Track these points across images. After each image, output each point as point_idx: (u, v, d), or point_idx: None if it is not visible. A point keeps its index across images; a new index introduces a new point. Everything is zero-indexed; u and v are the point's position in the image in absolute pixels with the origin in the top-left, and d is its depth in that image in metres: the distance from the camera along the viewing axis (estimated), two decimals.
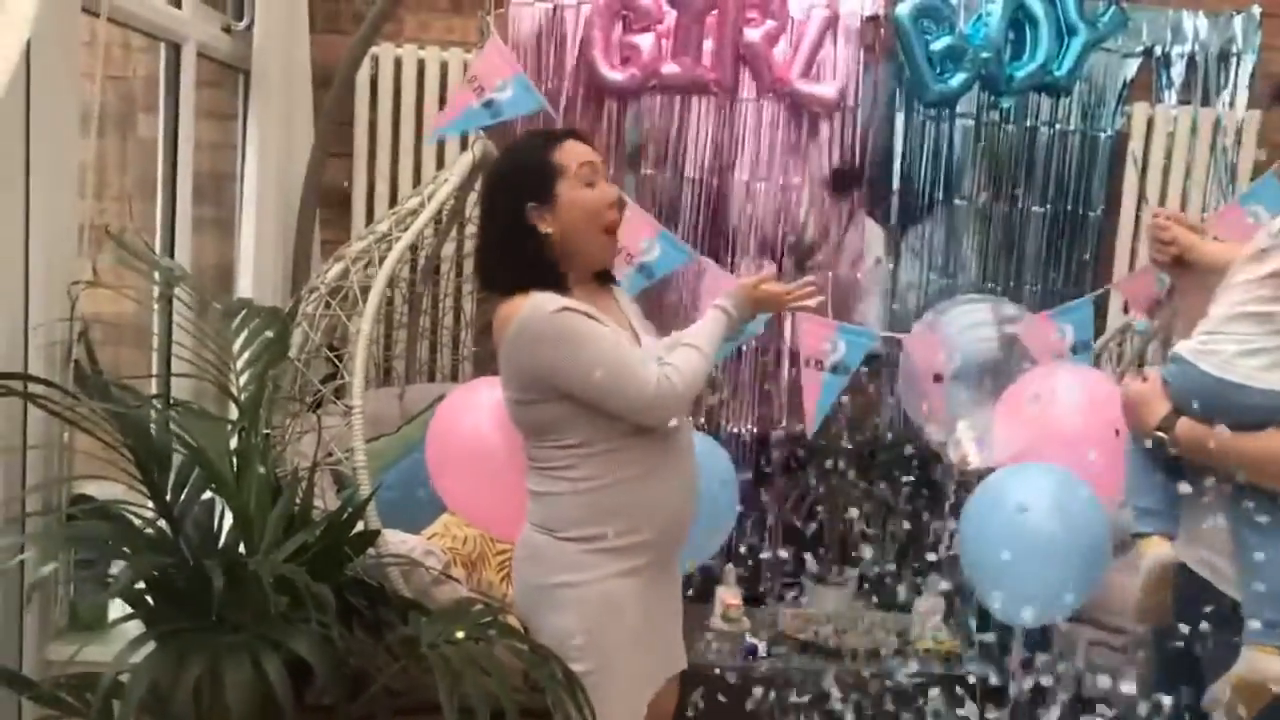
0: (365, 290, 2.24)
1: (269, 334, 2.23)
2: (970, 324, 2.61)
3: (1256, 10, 3.30)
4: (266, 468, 2.02)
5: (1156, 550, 1.67)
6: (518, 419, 1.93)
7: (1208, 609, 1.65)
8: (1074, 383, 2.45)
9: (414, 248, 3.09)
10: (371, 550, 2.03)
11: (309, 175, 3.05)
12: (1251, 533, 1.59)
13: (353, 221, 3.31)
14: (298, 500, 1.95)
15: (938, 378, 2.71)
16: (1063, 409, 2.39)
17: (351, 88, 3.19)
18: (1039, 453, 2.45)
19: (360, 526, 2.01)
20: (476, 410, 2.24)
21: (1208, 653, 1.65)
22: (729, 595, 2.97)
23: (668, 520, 1.95)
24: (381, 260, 2.27)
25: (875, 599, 3.24)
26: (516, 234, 1.86)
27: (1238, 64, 3.32)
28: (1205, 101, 3.33)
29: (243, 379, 2.21)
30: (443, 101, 3.21)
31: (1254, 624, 1.58)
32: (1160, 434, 1.63)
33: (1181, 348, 1.66)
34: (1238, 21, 3.30)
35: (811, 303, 2.14)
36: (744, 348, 3.24)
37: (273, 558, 1.79)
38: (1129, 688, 2.60)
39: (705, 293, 2.75)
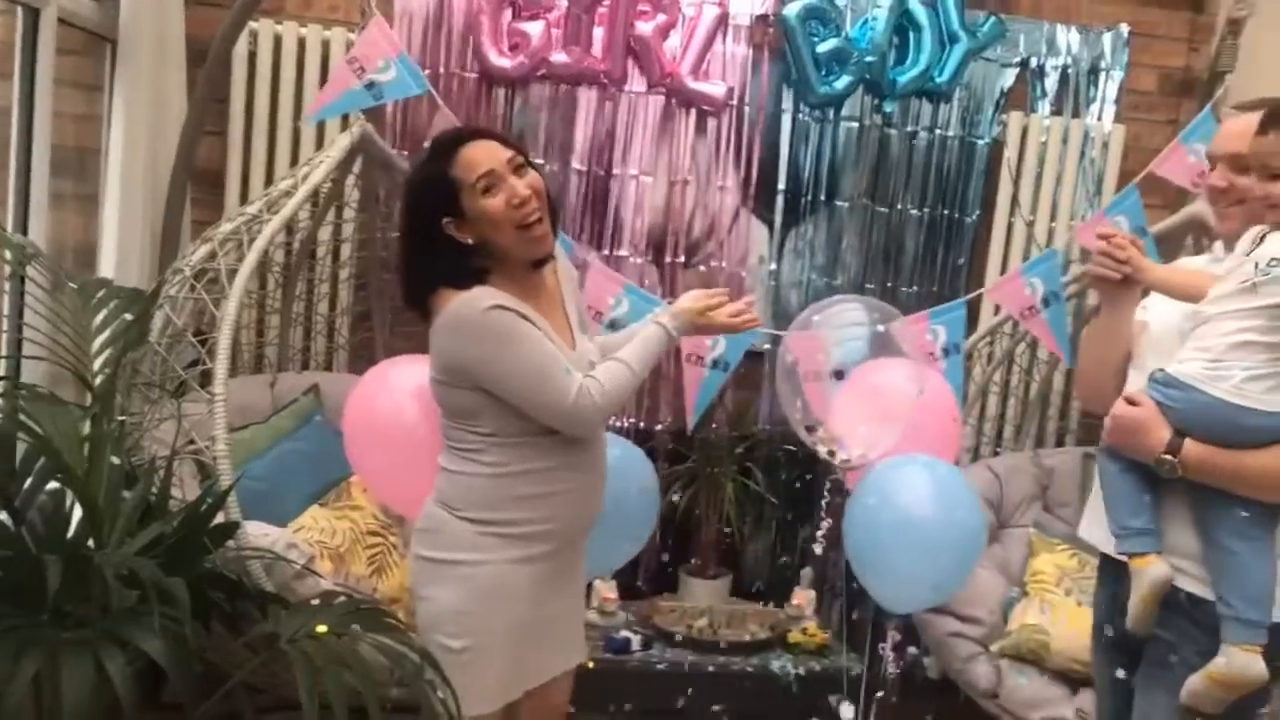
0: (233, 274, 2.16)
1: (128, 316, 2.13)
2: (846, 323, 2.65)
3: (1125, 28, 3.44)
4: (121, 456, 1.93)
5: (1155, 569, 1.67)
6: (436, 397, 1.93)
7: (1171, 606, 1.69)
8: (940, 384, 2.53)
9: (288, 231, 3.00)
10: (231, 543, 1.96)
11: (180, 152, 2.93)
12: (1225, 535, 1.64)
13: (226, 202, 3.19)
14: (154, 490, 1.87)
15: (839, 374, 2.74)
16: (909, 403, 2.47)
17: (228, 64, 3.07)
18: (908, 448, 2.51)
19: (220, 519, 1.94)
20: (397, 388, 2.23)
21: (1182, 653, 1.69)
22: (605, 589, 2.97)
23: (572, 514, 1.95)
24: (251, 243, 2.18)
25: (753, 593, 3.30)
26: (438, 245, 1.86)
27: (1106, 79, 3.45)
28: (1076, 113, 3.46)
29: (98, 363, 2.12)
30: (324, 81, 3.11)
31: (1232, 623, 1.62)
32: (1168, 458, 1.65)
33: (1177, 373, 1.67)
34: (1107, 38, 3.44)
35: (755, 323, 2.14)
36: None
37: (123, 550, 1.72)
38: (986, 673, 2.71)
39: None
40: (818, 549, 3.06)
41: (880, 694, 2.68)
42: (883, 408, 2.53)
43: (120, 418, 1.94)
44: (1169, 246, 2.87)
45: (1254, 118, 1.71)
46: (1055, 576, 2.78)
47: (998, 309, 3.14)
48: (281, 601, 1.94)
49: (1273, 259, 1.59)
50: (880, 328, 2.49)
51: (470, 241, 1.85)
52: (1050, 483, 3.14)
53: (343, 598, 1.97)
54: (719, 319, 2.06)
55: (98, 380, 2.05)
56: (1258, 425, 1.61)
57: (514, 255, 1.88)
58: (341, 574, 2.45)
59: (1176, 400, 1.67)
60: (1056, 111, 3.46)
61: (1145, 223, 2.81)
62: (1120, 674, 1.83)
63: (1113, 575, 1.81)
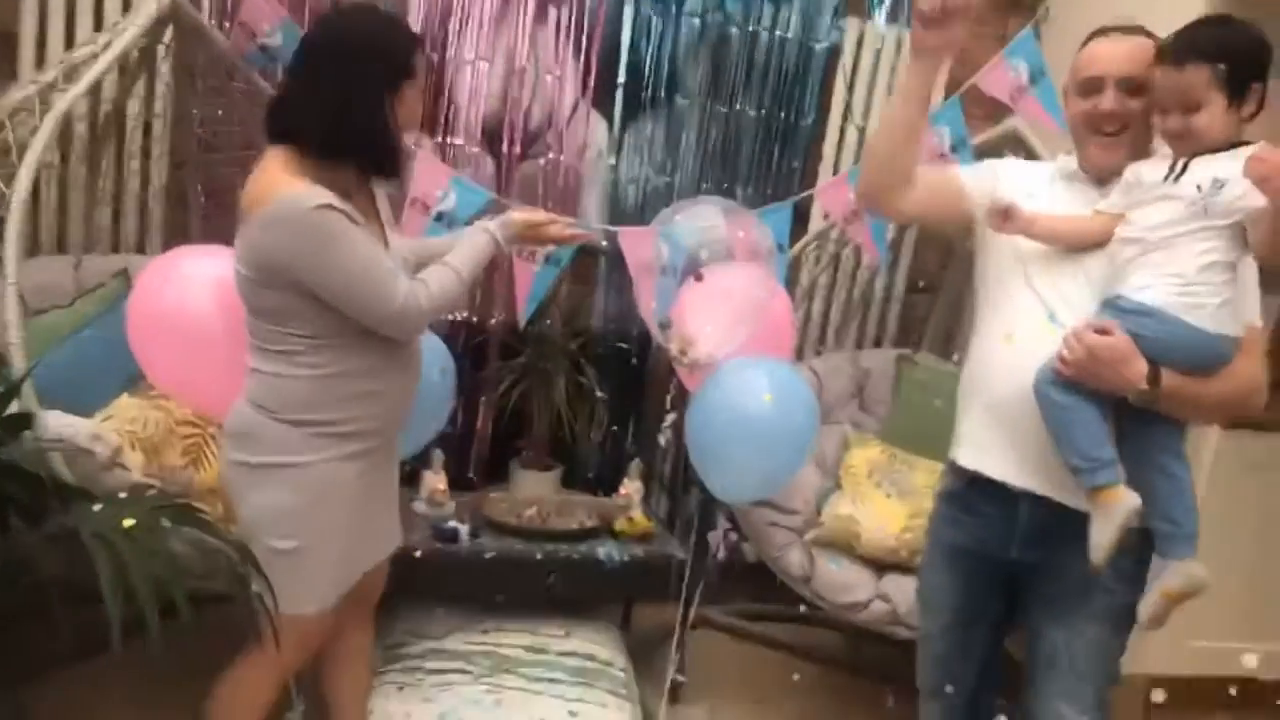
0: (24, 149, 1.99)
1: None
2: (700, 222, 2.67)
3: None
4: None
5: (1128, 500, 1.64)
6: (243, 294, 1.85)
7: (1083, 536, 1.69)
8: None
9: (93, 102, 2.78)
10: (29, 434, 1.86)
11: None
12: (1169, 459, 1.69)
13: (20, 66, 2.91)
14: None
15: (698, 277, 2.75)
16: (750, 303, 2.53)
17: None
18: (752, 347, 2.58)
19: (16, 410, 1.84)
20: (187, 280, 2.13)
21: (1106, 582, 1.72)
22: (435, 480, 2.96)
23: (391, 409, 1.96)
24: (44, 116, 2.02)
25: (585, 485, 3.37)
26: (365, 108, 1.81)
27: None
28: (909, 23, 3.52)
29: None
30: None
31: (1179, 540, 1.68)
32: (1147, 389, 1.64)
33: (1152, 300, 1.64)
34: None
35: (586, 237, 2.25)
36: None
37: None
38: (799, 560, 2.86)
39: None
40: (662, 441, 3.15)
41: (702, 580, 2.81)
42: (733, 309, 2.58)
43: None
44: (988, 159, 2.99)
45: (1139, 41, 1.75)
46: (866, 470, 2.94)
47: (826, 214, 3.22)
48: (87, 495, 1.87)
49: (1215, 179, 1.61)
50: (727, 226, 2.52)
51: (389, 122, 1.83)
52: (867, 383, 3.29)
53: (153, 491, 1.91)
54: (548, 232, 2.15)
55: None
56: (1223, 351, 1.66)
57: (385, 153, 1.86)
58: (154, 465, 2.36)
59: (1154, 330, 1.64)
60: (893, 19, 3.52)
61: (965, 134, 2.92)
62: (973, 600, 1.91)
63: (989, 503, 1.81)
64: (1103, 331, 1.65)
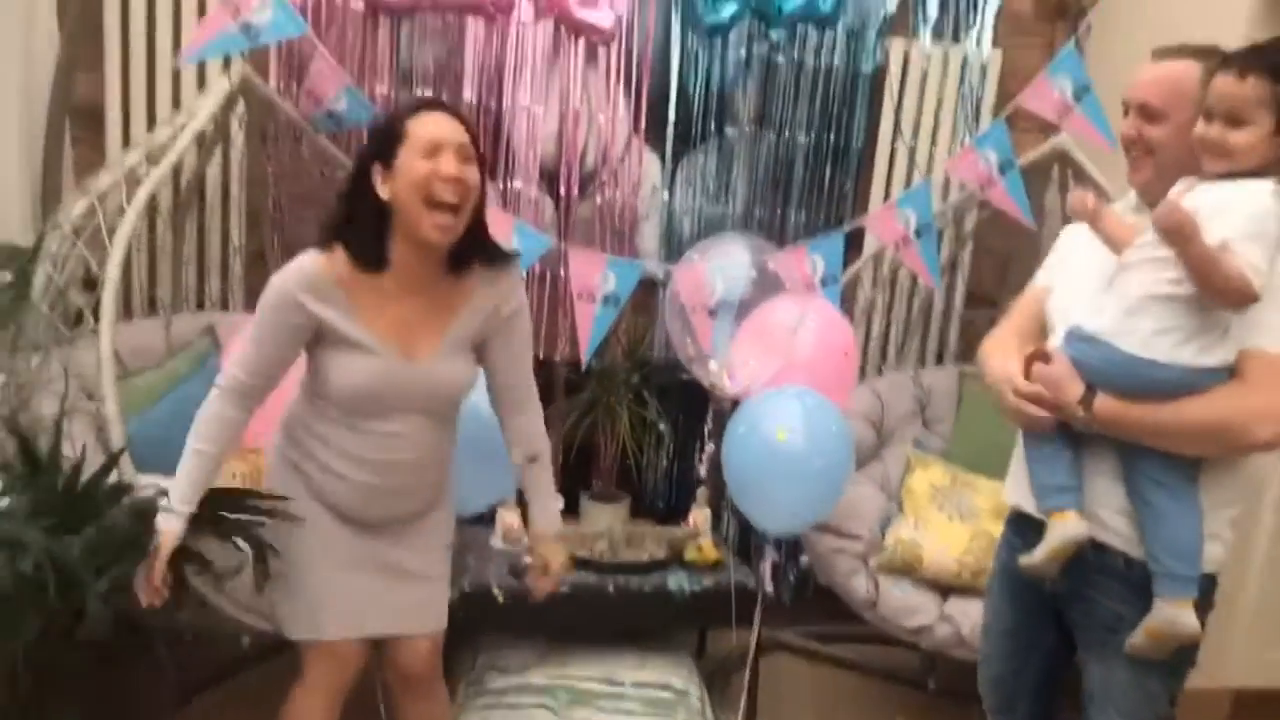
0: (113, 232, 2.14)
1: (7, 276, 2.12)
2: (730, 259, 2.74)
3: None
4: (10, 413, 1.95)
5: (1068, 525, 1.69)
6: None
7: (1108, 571, 1.74)
8: (813, 313, 2.65)
9: (175, 172, 2.96)
10: (127, 500, 2.00)
11: (55, 88, 2.85)
12: (1147, 489, 1.68)
13: (108, 139, 3.11)
14: (40, 451, 1.90)
15: (712, 313, 2.85)
16: (800, 338, 2.58)
17: None
18: (787, 377, 2.65)
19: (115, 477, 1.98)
20: None
21: (1118, 613, 1.73)
22: (510, 516, 3.06)
23: (351, 496, 1.97)
24: (129, 199, 2.17)
25: (654, 514, 3.44)
26: (356, 190, 1.87)
27: (984, 2, 3.52)
28: (956, 38, 3.54)
29: None
30: (203, 9, 3.04)
31: (1162, 579, 1.67)
32: (1081, 413, 1.67)
33: (1091, 327, 1.68)
34: None
35: None
36: (526, 273, 3.29)
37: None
38: (864, 586, 2.89)
39: None
40: (702, 472, 3.21)
41: (761, 607, 2.85)
42: (765, 342, 2.64)
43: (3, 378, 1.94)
44: (1037, 178, 2.99)
45: (1171, 66, 1.72)
46: (929, 493, 2.96)
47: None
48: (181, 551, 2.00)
49: (1195, 208, 1.59)
50: (762, 262, 2.59)
51: (384, 197, 1.83)
52: (929, 401, 3.31)
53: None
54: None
55: None
56: (1165, 379, 1.62)
57: (409, 228, 1.84)
58: None
59: (1087, 355, 1.68)
60: (938, 36, 3.53)
61: (1012, 155, 2.93)
62: (1031, 631, 1.92)
63: (1036, 535, 1.79)
64: (1046, 358, 1.71)
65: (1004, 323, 1.98)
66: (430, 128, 1.83)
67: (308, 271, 1.84)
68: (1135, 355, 1.64)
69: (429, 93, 3.27)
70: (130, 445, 2.18)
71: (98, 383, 2.05)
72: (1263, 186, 1.59)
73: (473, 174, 1.85)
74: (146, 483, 2.11)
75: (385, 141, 1.84)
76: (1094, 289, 1.76)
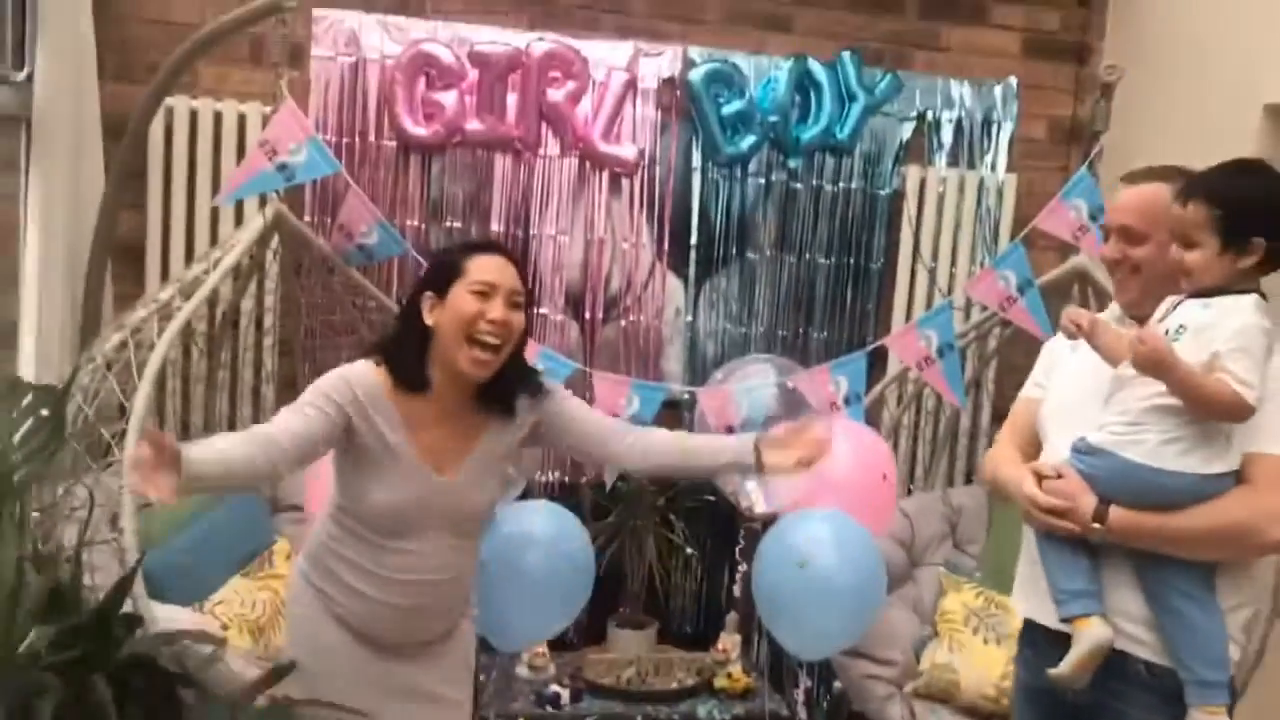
0: (143, 366, 2.21)
1: (44, 413, 2.17)
2: (754, 380, 2.76)
3: (1014, 81, 3.61)
4: (32, 546, 1.97)
5: (1095, 631, 1.69)
6: None
7: (1130, 679, 1.73)
8: (843, 434, 2.63)
9: (210, 303, 3.05)
10: (141, 631, 2.00)
11: (99, 227, 2.97)
12: (1172, 597, 1.68)
13: (147, 275, 3.22)
14: (62, 581, 1.91)
15: (730, 430, 2.86)
16: (835, 458, 2.56)
17: (144, 139, 3.12)
18: (817, 498, 2.63)
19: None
20: None
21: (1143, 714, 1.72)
22: (536, 644, 3.03)
23: (376, 623, 1.98)
24: (160, 333, 2.23)
25: (682, 639, 3.38)
26: (407, 316, 1.98)
27: (999, 129, 3.61)
28: (971, 164, 3.61)
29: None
30: (240, 153, 3.17)
31: (1194, 687, 1.66)
32: (1097, 525, 1.69)
33: (1096, 439, 1.71)
34: (998, 91, 3.60)
35: None
36: None
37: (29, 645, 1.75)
38: (900, 714, 2.81)
39: None
40: (736, 591, 3.17)
41: None
42: None
43: (34, 510, 1.97)
44: (1056, 297, 3.01)
45: (1144, 189, 1.80)
46: (963, 615, 2.89)
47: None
48: (196, 685, 2.00)
49: (1180, 325, 1.66)
50: (787, 383, 2.60)
51: (430, 323, 1.92)
52: (959, 520, 3.26)
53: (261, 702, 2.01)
54: None
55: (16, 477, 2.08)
56: (1176, 487, 1.65)
57: (448, 362, 1.92)
58: (260, 646, 2.50)
59: (1096, 468, 1.71)
60: (953, 162, 3.61)
61: (1030, 275, 2.95)
62: None
63: (1049, 645, 1.79)
64: (1057, 475, 1.74)
65: (1002, 437, 2.03)
66: (486, 270, 1.93)
67: (370, 378, 1.93)
68: (1144, 464, 1.67)
69: (458, 225, 3.37)
70: (153, 574, 2.20)
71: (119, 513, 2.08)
72: (1245, 302, 1.65)
73: (519, 319, 1.95)
74: (160, 613, 2.12)
75: (442, 273, 1.95)
76: (1088, 401, 1.79)
